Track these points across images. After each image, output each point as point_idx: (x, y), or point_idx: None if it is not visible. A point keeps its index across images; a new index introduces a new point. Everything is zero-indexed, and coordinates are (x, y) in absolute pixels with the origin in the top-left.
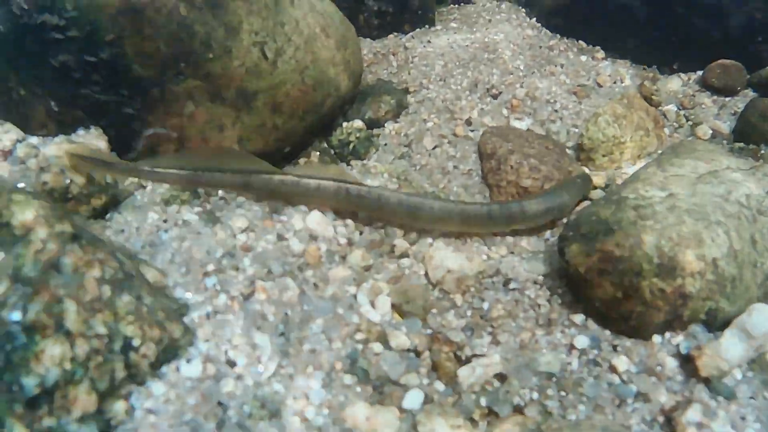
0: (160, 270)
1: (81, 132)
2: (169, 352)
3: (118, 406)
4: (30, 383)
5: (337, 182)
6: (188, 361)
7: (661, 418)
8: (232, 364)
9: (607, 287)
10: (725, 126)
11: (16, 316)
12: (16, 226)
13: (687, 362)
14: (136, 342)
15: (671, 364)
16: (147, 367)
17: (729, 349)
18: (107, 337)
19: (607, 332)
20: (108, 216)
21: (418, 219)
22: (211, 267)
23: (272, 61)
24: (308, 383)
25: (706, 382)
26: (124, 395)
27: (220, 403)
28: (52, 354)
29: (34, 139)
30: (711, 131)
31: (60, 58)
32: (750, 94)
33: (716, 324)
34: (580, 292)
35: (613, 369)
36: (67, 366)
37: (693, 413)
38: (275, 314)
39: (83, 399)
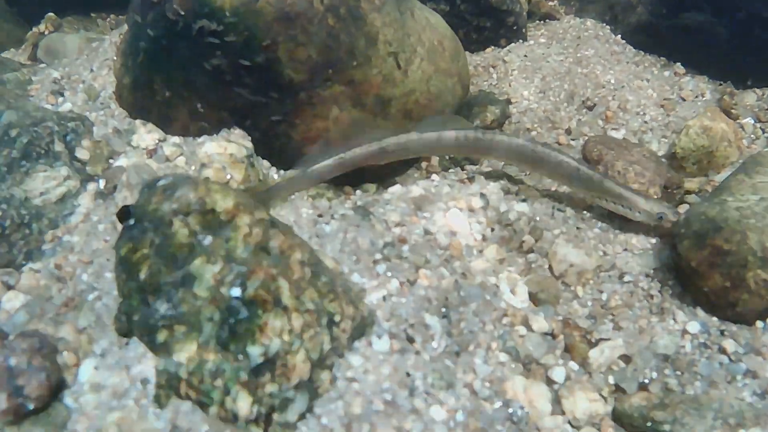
0: (333, 258)
1: (224, 133)
2: (360, 329)
3: (324, 376)
4: (256, 352)
5: (456, 131)
6: (379, 336)
7: None
8: (411, 340)
9: (717, 278)
10: None
11: (237, 292)
12: (221, 212)
13: None
14: (337, 318)
15: None
16: (346, 342)
17: None
18: (316, 312)
19: (715, 319)
20: None
21: (521, 161)
22: (378, 255)
23: (404, 71)
24: (472, 359)
25: None
26: (329, 366)
27: (408, 374)
28: (274, 326)
29: (176, 139)
30: None
31: (214, 61)
32: None
33: None
34: (690, 283)
35: (722, 350)
36: (286, 337)
37: None
38: (437, 299)
39: (300, 367)
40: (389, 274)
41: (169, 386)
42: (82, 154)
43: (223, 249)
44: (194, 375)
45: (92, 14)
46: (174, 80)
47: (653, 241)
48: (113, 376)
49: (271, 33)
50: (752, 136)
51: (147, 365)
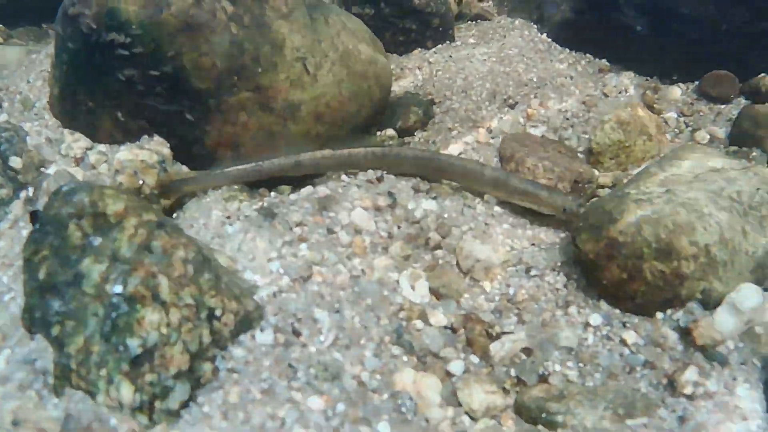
0: (229, 256)
1: (145, 140)
2: (245, 324)
3: (206, 367)
4: (134, 344)
5: (365, 147)
6: (262, 330)
7: (664, 381)
8: (297, 334)
9: (614, 270)
10: (721, 131)
11: (119, 288)
12: (111, 215)
13: (686, 335)
14: (218, 312)
15: (672, 336)
16: (228, 335)
17: (721, 323)
18: (195, 307)
19: (617, 311)
20: (175, 215)
21: (429, 171)
22: (273, 254)
23: (313, 75)
24: (362, 352)
25: (702, 350)
26: (210, 357)
27: (290, 365)
28: (151, 320)
29: (102, 147)
30: (708, 136)
31: (126, 72)
32: (742, 101)
33: (711, 302)
34: (592, 276)
35: (623, 342)
36: (164, 330)
37: (691, 373)
38: (331, 294)
39: (178, 358)
40: (282, 271)
41: (63, 377)
42: (15, 163)
43: (109, 249)
44: (82, 366)
45: (44, 25)
46: (95, 91)
47: (562, 235)
48: (20, 370)
49: (175, 44)
50: (676, 130)
51: (48, 359)
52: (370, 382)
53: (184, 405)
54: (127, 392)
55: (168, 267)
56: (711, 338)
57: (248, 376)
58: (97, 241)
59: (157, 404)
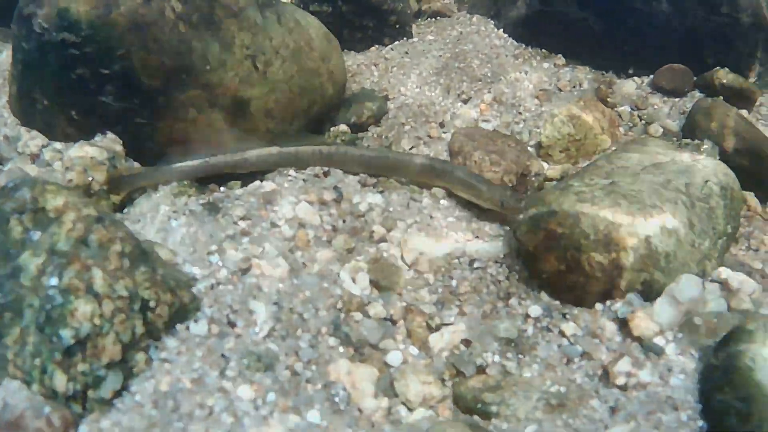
0: (171, 250)
1: (98, 137)
2: (180, 315)
3: (139, 357)
4: (67, 334)
5: (312, 146)
6: (196, 321)
7: (599, 372)
8: (232, 325)
9: (553, 262)
10: (675, 124)
11: (54, 281)
12: (50, 210)
13: (623, 325)
14: (152, 304)
15: (611, 327)
16: (162, 326)
17: (660, 313)
18: (128, 299)
19: (557, 302)
20: (125, 210)
21: (374, 168)
22: (213, 247)
23: (262, 72)
24: (298, 343)
25: (639, 341)
26: (143, 348)
27: (223, 356)
28: (84, 311)
29: (58, 145)
30: (662, 129)
31: (78, 71)
32: (697, 95)
33: (653, 294)
34: (532, 268)
35: (562, 333)
36: (97, 321)
37: (623, 364)
38: (269, 287)
39: (110, 348)
40: (221, 264)
41: (1, 367)
42: None
43: (48, 243)
44: (18, 356)
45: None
46: (49, 90)
47: (507, 228)
48: None
49: (124, 43)
50: (629, 123)
51: None
52: (304, 372)
53: (117, 394)
54: (60, 381)
55: (104, 260)
56: (648, 329)
57: (180, 366)
58: (37, 235)
59: (90, 393)
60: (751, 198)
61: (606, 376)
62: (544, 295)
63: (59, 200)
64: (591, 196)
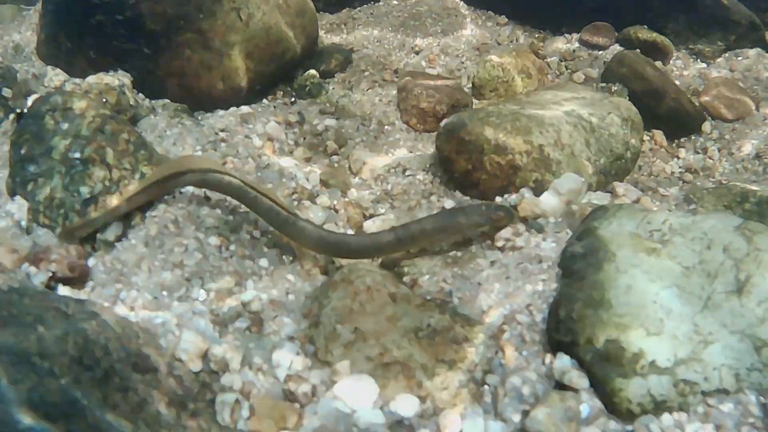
0: (165, 149)
1: (111, 72)
2: None
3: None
4: (85, 191)
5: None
6: (181, 192)
7: (489, 242)
8: (208, 199)
9: (462, 163)
10: (595, 72)
11: (77, 154)
12: (76, 109)
13: (514, 210)
14: (148, 174)
15: None
16: None
17: (544, 202)
18: (131, 170)
19: (467, 197)
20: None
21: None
22: (198, 148)
23: (245, 22)
24: (257, 216)
25: (524, 221)
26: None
27: (198, 216)
28: (98, 175)
29: (77, 80)
30: (584, 76)
31: (97, 17)
32: (617, 48)
33: (544, 191)
34: (448, 170)
35: None
36: (107, 183)
37: (504, 232)
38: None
39: (115, 203)
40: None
41: (33, 219)
42: (6, 93)
43: (73, 131)
44: (47, 209)
45: None
46: (72, 34)
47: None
48: (2, 221)
49: None
50: (557, 71)
51: (23, 211)
52: (261, 238)
53: (119, 239)
54: None
55: (114, 143)
56: (531, 211)
57: (166, 221)
58: (65, 126)
59: (99, 236)
60: (659, 135)
61: (493, 243)
62: (457, 193)
63: (83, 103)
64: (497, 115)
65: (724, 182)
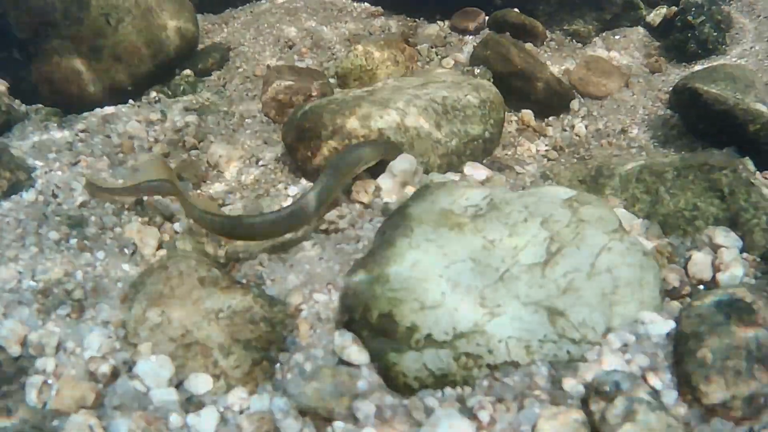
0: (24, 151)
1: None
2: (17, 187)
3: None
4: None
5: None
6: (26, 191)
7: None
8: (55, 196)
9: (302, 150)
10: (463, 57)
11: None
12: None
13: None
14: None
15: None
16: (0, 195)
17: (382, 182)
18: None
19: (303, 182)
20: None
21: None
22: (54, 149)
23: (114, 27)
24: (104, 212)
25: (360, 203)
26: None
27: (44, 215)
28: None
29: None
30: (453, 61)
31: None
32: (487, 32)
33: None
34: (293, 159)
35: None
36: None
37: (330, 215)
38: (92, 174)
39: None
40: (56, 159)
41: None
42: None
43: None
44: None
45: None
46: None
47: None
48: None
49: (2, 5)
50: (427, 58)
51: None
52: (107, 233)
53: None
54: None
55: None
56: (366, 194)
57: (10, 219)
58: None
59: None
60: (527, 114)
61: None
62: (303, 180)
63: None
64: (337, 103)
65: (587, 158)
